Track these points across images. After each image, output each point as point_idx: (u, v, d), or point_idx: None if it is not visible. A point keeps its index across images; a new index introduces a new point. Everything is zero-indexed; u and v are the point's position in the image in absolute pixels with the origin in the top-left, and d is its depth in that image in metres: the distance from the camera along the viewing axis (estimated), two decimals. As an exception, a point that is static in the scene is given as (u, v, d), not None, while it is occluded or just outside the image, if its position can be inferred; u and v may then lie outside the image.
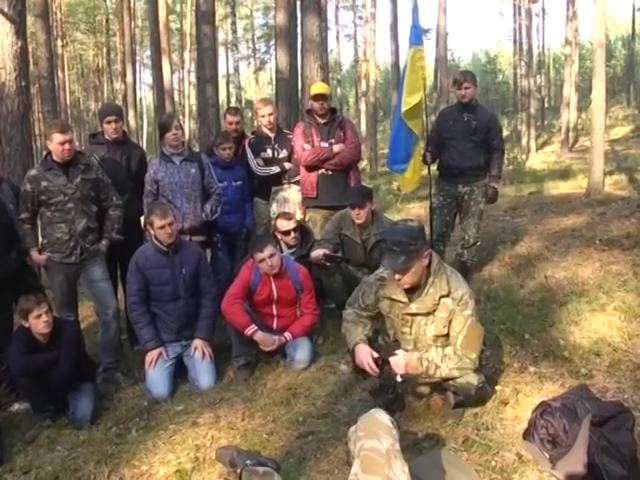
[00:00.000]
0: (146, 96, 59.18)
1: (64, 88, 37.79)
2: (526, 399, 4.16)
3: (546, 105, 45.93)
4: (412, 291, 3.82)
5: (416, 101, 6.48)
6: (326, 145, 6.37)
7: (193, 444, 4.06)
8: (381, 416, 3.07)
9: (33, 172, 5.29)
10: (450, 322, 3.80)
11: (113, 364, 5.49)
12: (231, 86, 42.27)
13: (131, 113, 27.82)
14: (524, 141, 29.88)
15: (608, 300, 5.54)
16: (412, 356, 3.75)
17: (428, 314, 3.83)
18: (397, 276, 3.70)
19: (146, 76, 59.14)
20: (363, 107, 36.01)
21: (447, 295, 3.75)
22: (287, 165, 6.71)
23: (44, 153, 5.40)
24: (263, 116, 6.69)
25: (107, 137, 5.92)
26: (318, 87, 6.69)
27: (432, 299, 3.76)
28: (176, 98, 36.99)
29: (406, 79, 6.57)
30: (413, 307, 3.83)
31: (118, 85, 40.10)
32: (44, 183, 5.16)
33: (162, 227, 5.08)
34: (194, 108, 40.80)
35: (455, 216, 6.77)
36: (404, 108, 6.50)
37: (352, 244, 5.81)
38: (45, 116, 14.88)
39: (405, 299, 3.84)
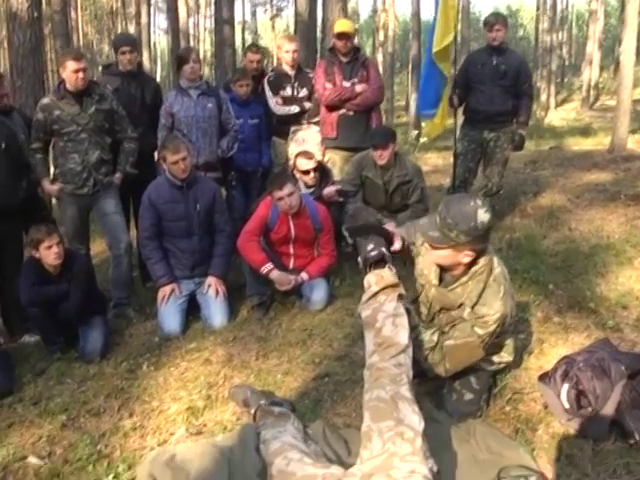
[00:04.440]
0: (160, 41, 58.62)
1: (77, 29, 37.32)
2: (551, 349, 4.05)
3: (566, 63, 45.21)
4: (445, 276, 3.34)
5: (448, 42, 6.31)
6: (348, 85, 6.14)
7: (205, 382, 3.96)
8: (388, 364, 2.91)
9: (45, 101, 5.11)
10: (455, 325, 3.32)
11: (124, 300, 5.38)
12: (247, 32, 41.87)
13: (145, 54, 27.41)
14: (543, 98, 29.42)
15: (636, 254, 5.44)
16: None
17: (441, 309, 3.41)
18: (427, 244, 3.28)
19: (161, 20, 58.52)
20: (380, 58, 35.47)
21: (470, 307, 3.22)
22: (307, 105, 6.50)
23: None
24: (287, 52, 6.45)
25: (121, 68, 5.72)
26: (342, 25, 6.39)
27: (454, 299, 3.27)
28: (191, 43, 36.53)
29: (438, 20, 6.41)
30: (431, 293, 3.40)
31: (132, 28, 39.61)
32: (57, 112, 4.99)
33: (175, 162, 4.91)
34: (208, 54, 40.33)
35: (478, 163, 6.59)
36: (435, 49, 6.34)
37: (373, 186, 5.63)
38: (57, 52, 14.66)
39: (435, 280, 3.35)
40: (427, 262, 3.39)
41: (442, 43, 6.36)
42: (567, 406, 3.26)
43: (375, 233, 3.52)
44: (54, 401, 3.91)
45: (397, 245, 3.51)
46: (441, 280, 3.35)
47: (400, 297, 3.14)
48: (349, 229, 3.69)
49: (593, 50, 28.24)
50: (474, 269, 3.16)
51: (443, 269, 3.32)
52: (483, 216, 2.95)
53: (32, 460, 3.28)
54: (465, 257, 3.09)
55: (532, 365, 3.87)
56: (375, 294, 3.12)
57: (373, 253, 3.32)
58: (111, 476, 3.07)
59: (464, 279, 3.19)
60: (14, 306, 4.89)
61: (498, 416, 3.42)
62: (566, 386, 3.29)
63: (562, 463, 3.00)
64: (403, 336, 2.94)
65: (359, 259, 3.43)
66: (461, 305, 3.24)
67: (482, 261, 3.15)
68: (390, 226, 5.32)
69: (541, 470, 2.92)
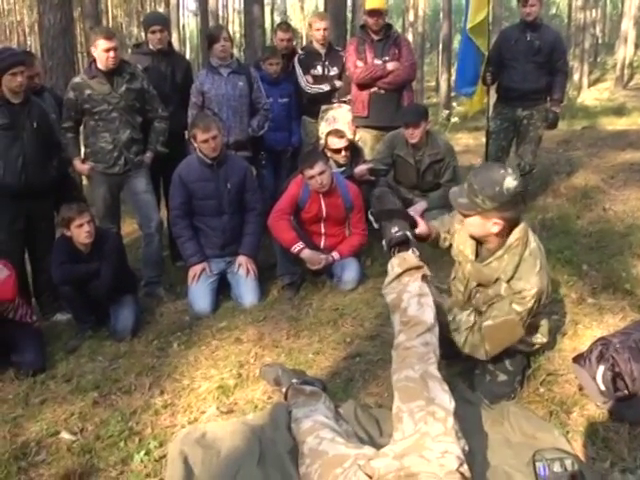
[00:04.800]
0: (189, 22, 58.58)
1: (107, 12, 37.41)
2: (585, 331, 3.96)
3: (600, 41, 44.47)
4: (481, 251, 3.31)
5: (482, 17, 6.21)
6: (380, 62, 6.06)
7: (236, 360, 3.96)
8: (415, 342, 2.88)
9: (77, 80, 5.12)
10: (493, 304, 3.23)
11: (155, 278, 5.38)
12: (275, 13, 41.67)
13: (174, 36, 27.43)
14: (576, 77, 28.99)
15: (673, 235, 5.30)
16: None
17: (478, 285, 3.32)
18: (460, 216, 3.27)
19: (189, 2, 58.48)
20: (410, 38, 35.17)
21: (506, 281, 3.13)
22: (337, 83, 6.45)
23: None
24: (318, 30, 6.41)
25: (152, 47, 5.69)
26: (373, 1, 6.24)
27: (490, 274, 3.18)
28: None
29: None
30: (467, 268, 3.34)
31: (161, 10, 39.62)
32: (88, 91, 5.00)
33: (205, 141, 4.89)
34: (238, 35, 40.23)
35: (511, 141, 6.49)
36: (469, 25, 6.24)
37: (405, 165, 5.57)
38: (87, 33, 14.67)
39: (471, 255, 3.31)
40: (463, 237, 3.36)
41: (476, 19, 6.27)
42: (603, 388, 3.20)
43: (399, 217, 3.49)
44: (86, 378, 3.93)
45: (421, 228, 3.49)
46: (477, 256, 3.30)
47: (424, 278, 3.10)
48: (374, 213, 3.65)
49: (628, 27, 27.67)
50: (509, 242, 3.11)
51: (479, 243, 3.28)
52: (510, 182, 2.91)
53: (65, 436, 3.31)
54: (494, 226, 3.04)
55: (566, 346, 3.80)
56: (398, 276, 3.10)
57: (397, 234, 3.32)
58: (142, 453, 3.07)
59: (499, 253, 3.13)
60: (46, 285, 4.94)
61: (532, 398, 3.36)
62: (602, 368, 3.22)
63: (597, 446, 2.94)
64: (429, 315, 2.91)
65: (384, 242, 3.41)
66: (497, 280, 3.17)
67: (516, 233, 3.10)
68: (420, 205, 5.32)
69: (576, 453, 2.87)
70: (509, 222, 3.05)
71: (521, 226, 3.11)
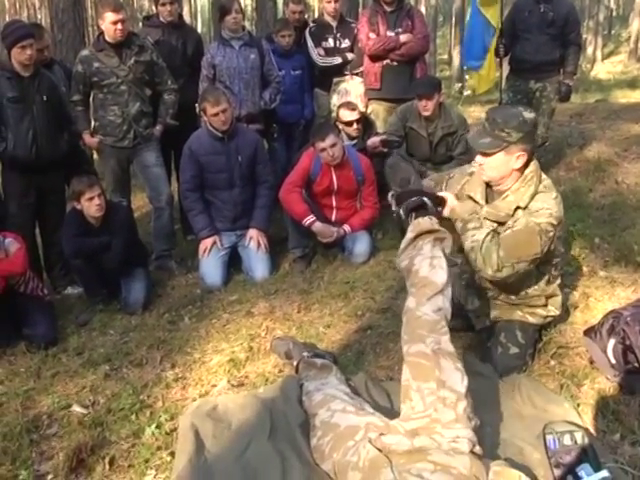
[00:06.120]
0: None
1: (118, -16, 37.12)
2: (596, 304, 3.95)
3: (614, 14, 43.92)
4: (493, 194, 3.33)
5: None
6: (392, 34, 6.00)
7: (247, 334, 3.96)
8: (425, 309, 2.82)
9: (85, 52, 5.11)
10: None
11: (166, 252, 5.40)
12: (287, -15, 41.25)
13: (185, 9, 27.23)
14: (589, 50, 28.69)
15: (685, 208, 5.26)
16: (464, 207, 3.30)
17: (498, 224, 3.22)
18: (478, 158, 3.24)
19: (201, -26, 57.81)
20: (423, 11, 34.82)
21: (524, 208, 3.11)
22: (349, 56, 6.39)
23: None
24: (329, 2, 6.33)
25: (162, 20, 5.66)
26: (386, -28, 6.25)
27: (507, 207, 3.15)
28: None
29: None
30: (484, 210, 3.26)
31: (172, -18, 39.16)
32: (96, 64, 4.98)
33: (215, 114, 4.86)
34: (249, 9, 39.93)
35: (524, 114, 6.44)
36: None
37: (417, 137, 5.55)
38: (97, 7, 14.62)
39: (482, 201, 3.30)
40: (474, 184, 3.37)
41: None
42: (613, 361, 3.19)
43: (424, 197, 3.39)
44: (97, 352, 3.95)
45: (446, 212, 3.42)
46: (487, 202, 3.32)
47: (437, 240, 3.01)
48: (396, 195, 3.43)
49: (643, -1, 27.37)
50: (524, 175, 3.16)
51: (489, 187, 3.31)
52: (528, 114, 3.10)
53: (76, 409, 3.32)
54: (518, 160, 3.10)
55: (577, 319, 3.80)
56: (412, 241, 3.04)
57: (413, 199, 3.25)
58: (153, 426, 3.07)
59: (515, 186, 3.17)
60: (57, 258, 4.96)
61: (543, 371, 3.36)
62: (612, 341, 3.21)
63: (608, 419, 2.94)
64: (441, 276, 2.81)
65: (401, 211, 3.33)
66: (516, 211, 3.16)
67: (531, 166, 3.17)
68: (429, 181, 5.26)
69: (586, 426, 2.87)
70: (530, 154, 3.14)
71: (534, 160, 3.19)
